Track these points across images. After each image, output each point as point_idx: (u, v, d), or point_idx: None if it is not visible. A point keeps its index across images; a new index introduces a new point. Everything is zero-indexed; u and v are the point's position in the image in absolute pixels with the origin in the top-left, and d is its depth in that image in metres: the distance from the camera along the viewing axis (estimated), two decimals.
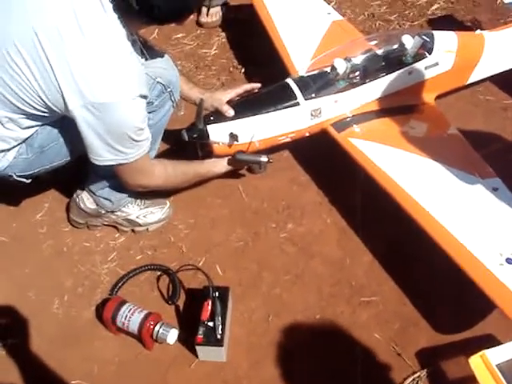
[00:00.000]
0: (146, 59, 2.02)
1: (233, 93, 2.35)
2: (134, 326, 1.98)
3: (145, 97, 1.85)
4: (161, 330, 1.97)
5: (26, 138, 1.99)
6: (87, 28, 1.69)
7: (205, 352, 1.95)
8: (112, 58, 1.74)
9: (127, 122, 1.82)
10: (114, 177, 2.06)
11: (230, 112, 2.27)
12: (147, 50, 2.02)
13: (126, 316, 1.99)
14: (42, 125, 1.97)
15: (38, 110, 1.84)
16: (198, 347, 1.94)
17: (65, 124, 1.91)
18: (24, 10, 1.73)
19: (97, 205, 2.27)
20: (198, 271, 2.17)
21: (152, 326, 1.97)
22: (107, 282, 2.21)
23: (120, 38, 1.76)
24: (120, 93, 1.75)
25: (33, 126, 1.96)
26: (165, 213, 2.37)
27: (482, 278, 1.84)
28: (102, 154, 1.87)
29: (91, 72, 1.71)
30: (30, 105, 1.81)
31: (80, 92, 1.72)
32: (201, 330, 1.92)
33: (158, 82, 2.05)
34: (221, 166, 2.32)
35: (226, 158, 2.32)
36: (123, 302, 2.03)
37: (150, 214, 2.34)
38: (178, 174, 2.17)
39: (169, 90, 2.09)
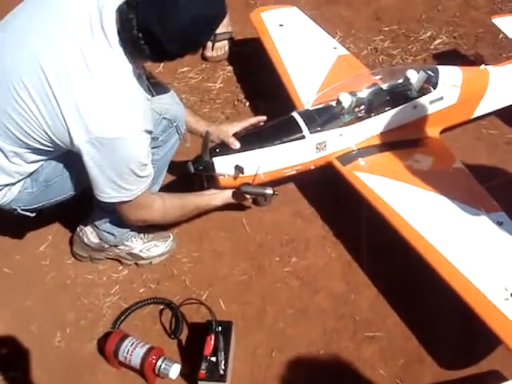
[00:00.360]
0: (153, 95, 2.02)
1: (239, 126, 2.36)
2: (136, 361, 1.96)
3: (150, 132, 1.86)
4: (163, 365, 1.95)
5: (32, 173, 2.00)
6: (93, 64, 1.71)
7: None
8: (118, 93, 1.75)
9: (132, 157, 1.82)
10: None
11: (236, 144, 2.27)
12: (153, 85, 2.03)
13: (128, 350, 1.97)
14: (47, 159, 1.98)
15: (44, 144, 1.85)
16: (200, 383, 1.91)
17: (70, 158, 1.91)
18: (32, 47, 1.75)
19: (100, 239, 2.26)
20: (201, 305, 2.16)
21: (154, 361, 1.95)
22: (110, 315, 2.20)
23: (126, 74, 1.77)
24: (125, 128, 1.76)
25: (38, 161, 1.96)
26: (168, 245, 2.37)
27: (486, 313, 1.83)
28: (105, 191, 1.88)
29: (97, 107, 1.73)
30: (35, 139, 1.82)
31: (86, 127, 1.73)
32: (203, 365, 1.90)
33: (163, 118, 2.07)
34: (220, 198, 2.32)
35: (226, 191, 2.32)
36: (125, 336, 2.01)
37: (153, 248, 2.34)
38: (176, 207, 2.16)
39: (174, 124, 2.11)
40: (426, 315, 2.13)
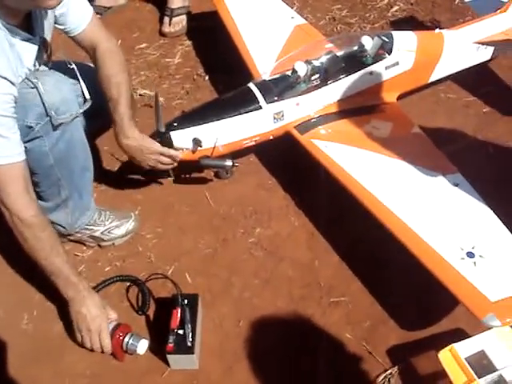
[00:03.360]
0: (50, 68, 1.98)
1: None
2: None
3: (11, 82, 1.73)
4: (130, 341, 1.96)
5: None
6: None
7: (176, 360, 1.94)
8: None
9: None
10: (57, 202, 2.04)
11: (179, 155, 2.27)
12: (59, 64, 1.99)
13: None
14: None
15: None
16: (169, 356, 1.93)
17: None
18: None
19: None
20: (167, 280, 2.17)
21: (121, 338, 1.96)
22: None
23: None
24: None
25: None
26: (130, 226, 2.34)
27: (443, 273, 1.86)
28: None
29: None
30: None
31: None
32: (171, 339, 1.91)
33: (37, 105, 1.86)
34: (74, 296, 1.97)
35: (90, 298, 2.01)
36: None
37: (114, 229, 2.31)
38: (40, 238, 1.86)
39: (49, 115, 1.89)
40: (389, 278, 2.17)
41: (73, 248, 2.33)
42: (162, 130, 2.24)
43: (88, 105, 2.04)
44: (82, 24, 2.08)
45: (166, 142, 2.26)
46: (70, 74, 2.06)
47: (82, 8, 2.08)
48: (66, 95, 1.92)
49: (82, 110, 2.00)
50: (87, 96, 2.05)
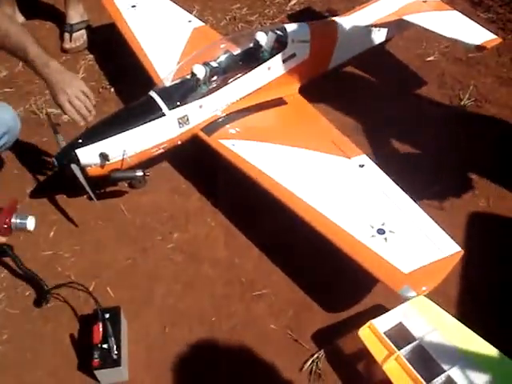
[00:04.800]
0: None
1: None
2: None
3: None
4: (18, 221, 1.96)
5: None
6: None
7: (105, 375, 1.93)
8: None
9: None
10: None
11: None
12: None
13: None
14: None
15: None
16: (96, 371, 1.91)
17: None
18: None
19: None
20: (89, 297, 2.14)
21: (8, 220, 1.95)
22: None
23: None
24: None
25: None
26: None
27: (356, 252, 1.93)
28: None
29: None
30: None
31: None
32: (96, 354, 1.90)
33: None
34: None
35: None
36: None
37: None
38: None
39: None
40: (307, 264, 2.22)
41: None
42: (64, 145, 2.25)
43: None
44: None
45: (73, 160, 2.24)
46: None
47: None
48: None
49: None
50: None
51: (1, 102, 2.40)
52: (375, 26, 2.82)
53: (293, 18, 3.42)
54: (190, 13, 3.18)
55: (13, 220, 1.95)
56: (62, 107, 2.22)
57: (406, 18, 2.81)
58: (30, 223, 1.97)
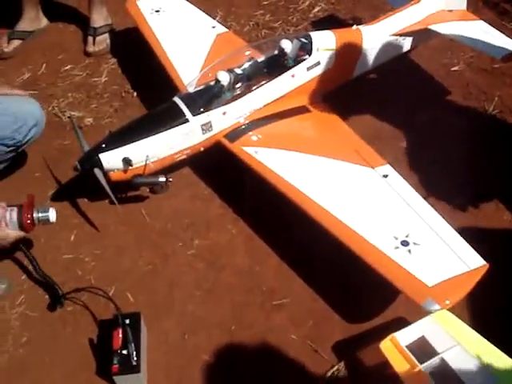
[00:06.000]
0: None
1: None
2: (15, 227, 2.01)
3: None
4: (40, 216, 2.01)
5: None
6: None
7: (123, 381, 1.92)
8: None
9: None
10: None
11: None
12: None
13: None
14: None
15: None
16: (115, 377, 1.90)
17: None
18: None
19: None
20: (109, 302, 2.14)
21: (30, 217, 2.00)
22: (18, 326, 2.15)
23: None
24: None
25: None
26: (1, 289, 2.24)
27: (380, 264, 1.91)
28: None
29: None
30: None
31: None
32: (115, 360, 1.89)
33: None
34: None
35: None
36: None
37: None
38: None
39: None
40: (328, 274, 2.20)
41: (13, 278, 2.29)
42: (86, 149, 2.25)
43: None
44: None
45: (96, 165, 2.25)
46: None
47: None
48: None
49: None
50: None
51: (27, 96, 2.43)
52: (400, 35, 2.79)
53: (316, 25, 3.40)
54: (214, 18, 3.19)
55: (35, 214, 1.99)
56: None
57: (431, 27, 2.79)
58: (52, 215, 2.03)
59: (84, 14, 3.49)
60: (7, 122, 2.28)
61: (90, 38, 3.33)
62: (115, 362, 1.89)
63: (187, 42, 2.90)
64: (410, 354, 1.83)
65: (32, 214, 2.00)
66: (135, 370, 1.89)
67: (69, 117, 2.89)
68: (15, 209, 2.00)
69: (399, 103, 2.86)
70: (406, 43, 2.87)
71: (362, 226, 2.00)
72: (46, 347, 2.09)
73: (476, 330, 1.90)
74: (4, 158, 2.38)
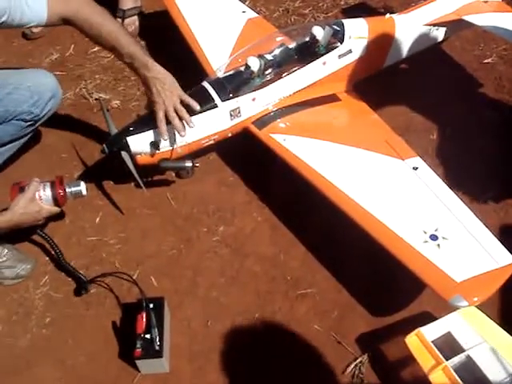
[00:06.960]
0: None
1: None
2: (49, 202, 2.04)
3: None
4: (73, 190, 2.06)
5: None
6: None
7: (146, 365, 1.93)
8: None
9: None
10: None
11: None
12: None
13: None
14: None
15: None
16: (137, 361, 1.91)
17: None
18: None
19: None
20: (133, 285, 2.14)
21: (63, 193, 2.04)
22: (41, 306, 2.17)
23: None
24: None
25: None
26: (23, 270, 2.23)
27: (408, 257, 1.88)
28: None
29: None
30: None
31: None
32: (138, 344, 1.90)
33: None
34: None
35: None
36: (22, 188, 2.00)
37: (5, 269, 2.21)
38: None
39: None
40: (354, 265, 2.18)
41: (37, 259, 2.30)
42: (113, 132, 2.25)
43: None
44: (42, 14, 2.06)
45: (123, 148, 2.24)
46: None
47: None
48: None
49: None
50: None
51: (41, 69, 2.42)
52: (434, 25, 2.74)
53: (347, 12, 3.35)
54: (243, 2, 3.15)
55: (67, 188, 2.04)
56: (155, 114, 2.19)
57: (465, 18, 2.73)
58: (83, 188, 2.08)
59: None
60: (23, 96, 2.25)
61: (119, 20, 3.31)
62: (138, 346, 1.90)
63: (217, 27, 2.87)
64: (435, 349, 1.81)
65: (64, 188, 2.03)
66: (158, 354, 1.90)
67: (96, 99, 2.89)
68: (48, 184, 2.03)
69: (430, 95, 2.80)
70: (439, 34, 2.82)
71: (390, 218, 1.97)
72: (69, 328, 2.11)
73: (503, 328, 1.87)
74: (23, 133, 2.35)
